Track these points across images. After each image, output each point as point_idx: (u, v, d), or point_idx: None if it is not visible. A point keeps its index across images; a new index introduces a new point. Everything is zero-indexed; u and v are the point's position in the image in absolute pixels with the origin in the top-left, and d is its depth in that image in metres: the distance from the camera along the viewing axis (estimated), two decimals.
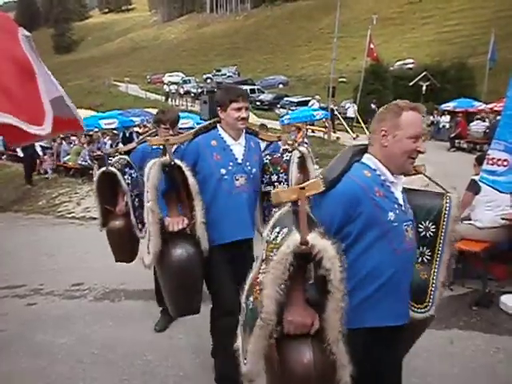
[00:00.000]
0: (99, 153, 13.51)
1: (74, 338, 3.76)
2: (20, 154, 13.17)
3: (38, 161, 13.80)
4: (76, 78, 53.51)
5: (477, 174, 4.43)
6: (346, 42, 43.38)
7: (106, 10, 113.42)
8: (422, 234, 1.90)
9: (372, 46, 20.98)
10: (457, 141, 16.34)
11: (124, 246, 3.66)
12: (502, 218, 4.21)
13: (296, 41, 58.50)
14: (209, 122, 2.71)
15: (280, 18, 70.00)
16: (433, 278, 1.88)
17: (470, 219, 4.47)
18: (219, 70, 47.38)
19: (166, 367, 3.23)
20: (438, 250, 1.88)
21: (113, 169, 3.62)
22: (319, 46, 51.21)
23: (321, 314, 1.45)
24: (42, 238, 7.91)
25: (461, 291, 4.33)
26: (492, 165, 4.03)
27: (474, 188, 4.31)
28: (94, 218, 9.26)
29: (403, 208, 1.75)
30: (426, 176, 1.99)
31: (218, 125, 2.66)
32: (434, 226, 1.88)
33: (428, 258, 1.90)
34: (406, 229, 1.73)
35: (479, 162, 4.54)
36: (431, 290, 1.88)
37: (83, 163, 13.14)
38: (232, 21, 78.40)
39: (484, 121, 15.67)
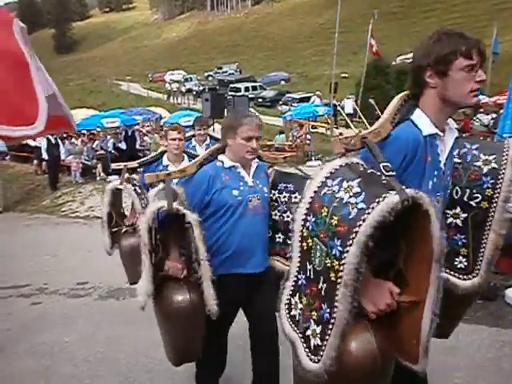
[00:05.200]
0: (102, 152, 13.58)
1: (79, 336, 3.78)
2: (44, 155, 12.45)
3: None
4: (78, 77, 53.53)
5: None
6: (348, 37, 43.17)
7: (107, 9, 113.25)
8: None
9: (373, 41, 20.87)
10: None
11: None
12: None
13: (297, 37, 58.31)
14: None
15: (281, 15, 69.80)
16: None
17: None
18: (221, 68, 47.31)
19: (172, 365, 3.23)
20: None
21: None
22: (320, 42, 51.03)
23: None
24: (46, 237, 7.94)
25: None
26: None
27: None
28: (98, 217, 9.29)
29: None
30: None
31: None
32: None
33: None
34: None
35: None
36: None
37: (86, 162, 13.16)
38: (233, 18, 78.22)
39: (487, 114, 15.58)
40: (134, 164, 3.49)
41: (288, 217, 2.39)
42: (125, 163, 3.45)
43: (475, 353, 3.18)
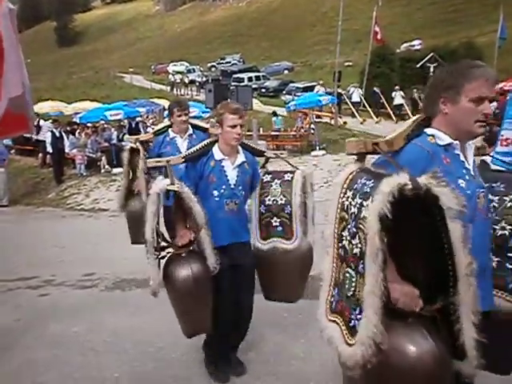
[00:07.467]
0: (106, 144, 13.61)
1: (87, 326, 3.82)
2: (49, 148, 12.55)
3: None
4: (81, 70, 53.45)
5: (485, 155, 4.36)
6: (351, 25, 42.71)
7: (109, 1, 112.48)
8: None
9: (377, 28, 20.63)
10: None
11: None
12: None
13: (300, 25, 57.77)
14: None
15: (283, 3, 69.08)
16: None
17: None
18: (223, 58, 47.05)
19: (178, 354, 3.27)
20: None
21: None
22: (324, 30, 50.52)
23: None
24: (52, 230, 8.00)
25: None
26: (507, 146, 3.83)
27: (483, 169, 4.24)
28: (103, 210, 9.35)
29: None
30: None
31: None
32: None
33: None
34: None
35: (488, 142, 4.45)
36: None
37: (90, 155, 13.20)
38: (235, 7, 77.53)
39: (493, 101, 15.39)
40: (178, 159, 2.70)
41: (504, 229, 1.74)
42: (166, 159, 2.72)
43: None
